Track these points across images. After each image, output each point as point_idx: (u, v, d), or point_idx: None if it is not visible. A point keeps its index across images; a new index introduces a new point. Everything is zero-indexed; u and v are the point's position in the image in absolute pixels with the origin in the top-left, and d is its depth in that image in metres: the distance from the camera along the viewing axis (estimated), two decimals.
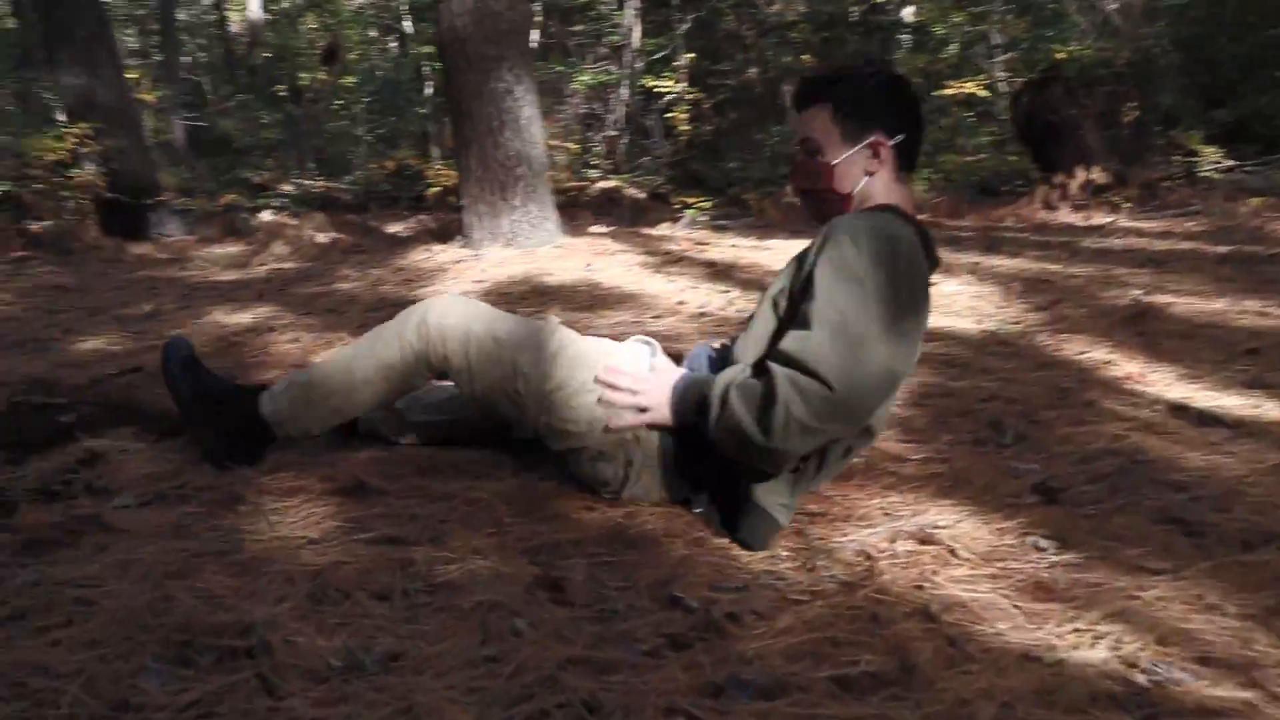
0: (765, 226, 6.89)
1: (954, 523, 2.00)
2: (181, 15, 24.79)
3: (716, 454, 1.96)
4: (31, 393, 3.15)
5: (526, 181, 5.63)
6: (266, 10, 22.95)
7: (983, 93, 9.98)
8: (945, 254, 5.19)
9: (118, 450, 2.53)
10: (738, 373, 1.95)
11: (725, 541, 1.97)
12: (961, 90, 9.61)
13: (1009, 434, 2.57)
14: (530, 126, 5.66)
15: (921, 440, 2.56)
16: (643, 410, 2.07)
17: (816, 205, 2.10)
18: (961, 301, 4.27)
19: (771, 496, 1.96)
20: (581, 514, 2.09)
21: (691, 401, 2.01)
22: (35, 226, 8.01)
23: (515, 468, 2.35)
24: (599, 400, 2.10)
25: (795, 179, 2.13)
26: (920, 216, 2.09)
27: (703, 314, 3.97)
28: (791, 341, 1.83)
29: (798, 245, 5.62)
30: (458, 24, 5.41)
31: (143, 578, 1.78)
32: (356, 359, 2.32)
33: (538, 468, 2.32)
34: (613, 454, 2.11)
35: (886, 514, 2.08)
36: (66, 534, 2.01)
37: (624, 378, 2.10)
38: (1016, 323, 3.91)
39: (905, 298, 1.83)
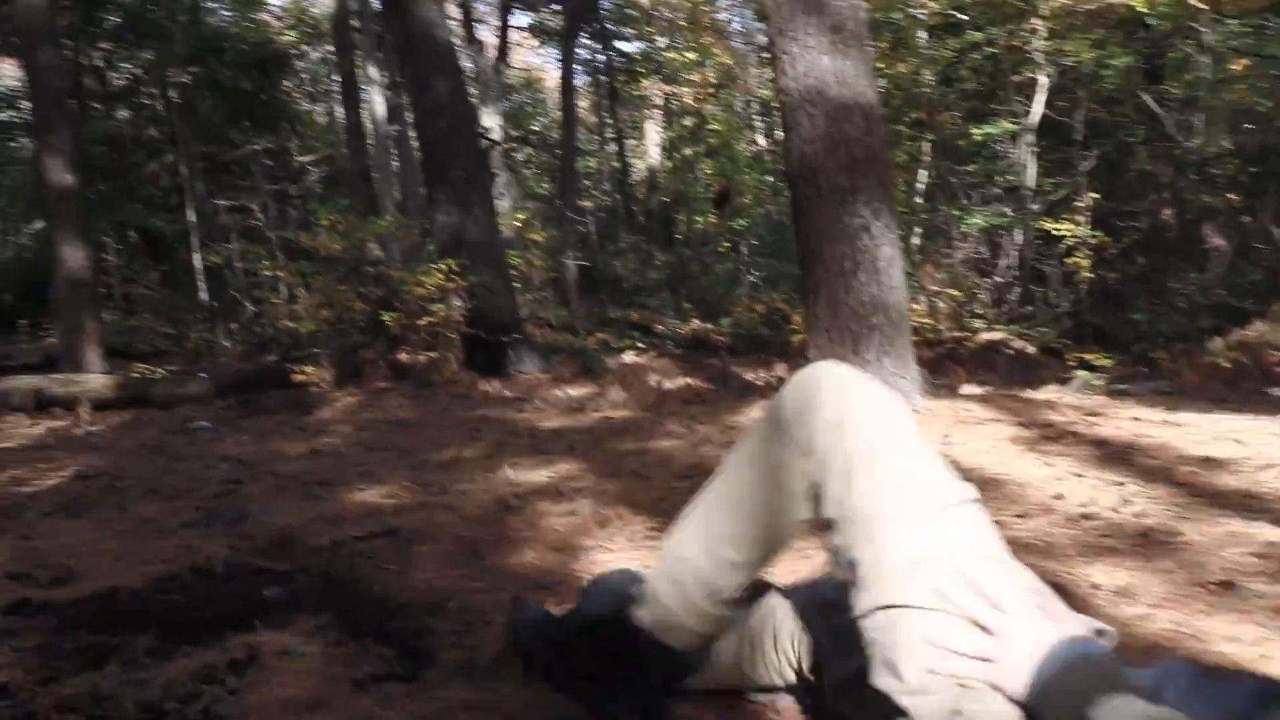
0: (1177, 394, 5.70)
1: None
2: (590, 163, 26.36)
3: None
4: (260, 554, 2.77)
5: (882, 332, 4.88)
6: (666, 158, 23.86)
7: None
8: None
9: (281, 653, 2.02)
10: None
11: None
12: None
13: None
14: (890, 269, 4.92)
15: None
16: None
17: None
18: None
19: None
20: None
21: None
22: (404, 358, 8.19)
23: None
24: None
25: None
26: None
27: (1086, 515, 3.01)
28: None
29: (1218, 421, 4.48)
30: (807, 151, 4.81)
31: None
32: (716, 496, 1.64)
33: None
34: None
35: None
36: None
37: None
38: None
39: None
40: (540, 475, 3.88)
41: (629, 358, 8.99)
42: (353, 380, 7.69)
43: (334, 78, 23.45)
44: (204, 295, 15.35)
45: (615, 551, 2.77)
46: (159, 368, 9.37)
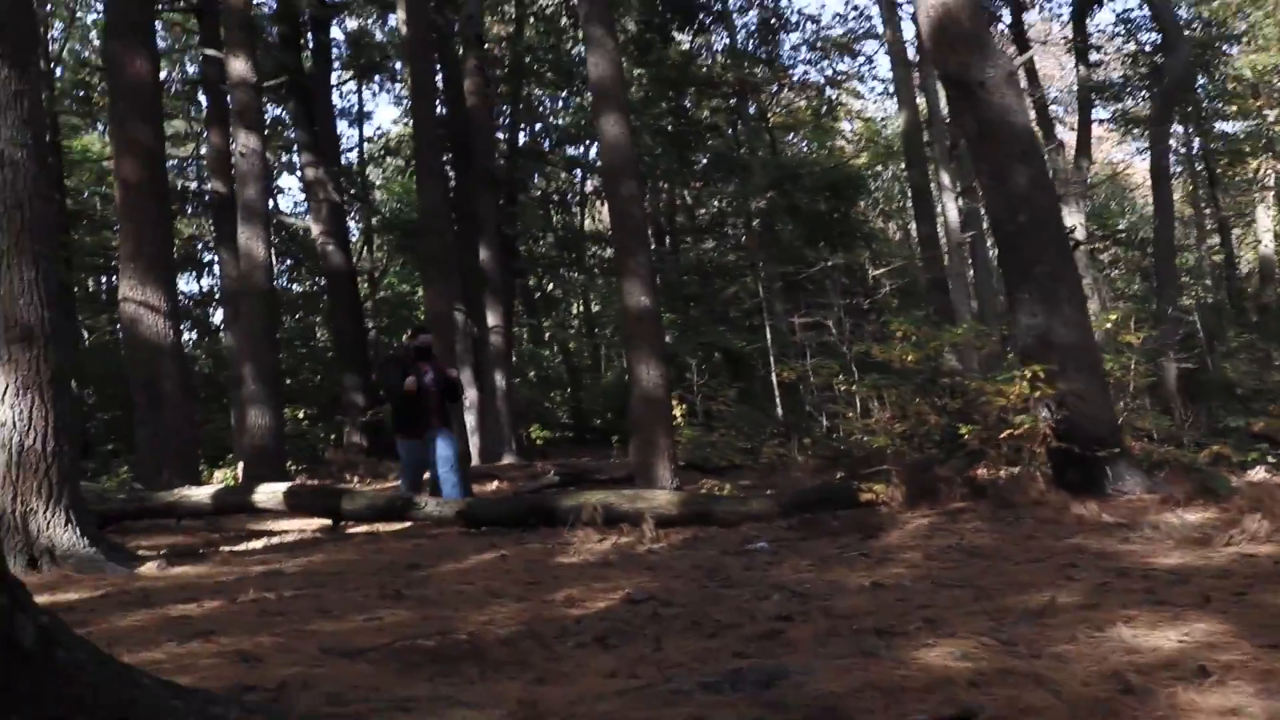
0: None
1: None
2: (1188, 258, 23.84)
3: None
4: None
5: None
6: None
7: None
8: None
9: None
10: None
11: None
12: None
13: None
14: None
15: None
16: None
17: None
18: None
19: None
20: None
21: None
22: (983, 475, 7.35)
23: None
24: None
25: None
26: None
27: None
28: None
29: None
30: None
31: None
32: None
33: None
34: None
35: None
36: None
37: None
38: None
39: None
40: (1166, 638, 2.90)
41: (1257, 475, 7.44)
42: (925, 499, 6.97)
43: (905, 192, 23.37)
44: (779, 411, 15.52)
45: None
46: (731, 483, 9.29)
